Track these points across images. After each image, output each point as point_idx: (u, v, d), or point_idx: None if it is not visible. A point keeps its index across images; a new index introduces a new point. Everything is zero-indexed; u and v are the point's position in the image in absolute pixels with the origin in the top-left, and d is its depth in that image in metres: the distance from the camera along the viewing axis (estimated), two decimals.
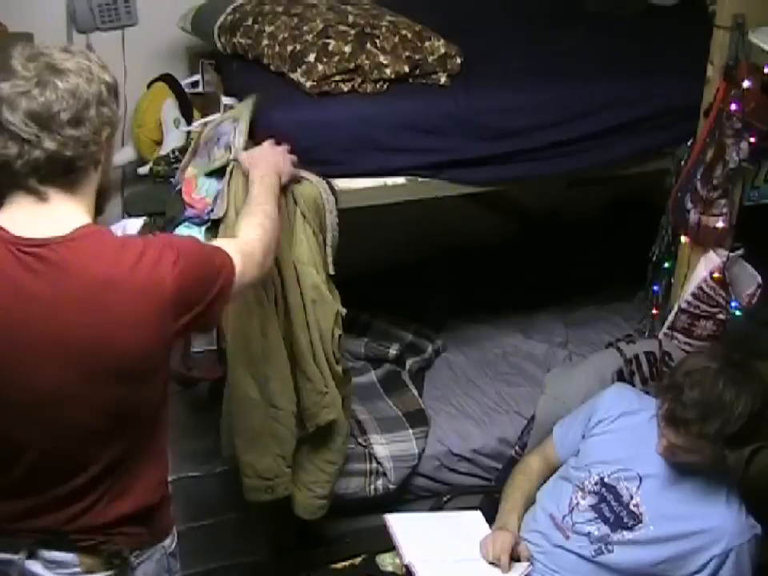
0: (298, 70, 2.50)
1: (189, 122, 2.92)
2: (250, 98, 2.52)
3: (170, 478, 2.08)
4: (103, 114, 1.74)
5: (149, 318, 1.71)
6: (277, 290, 2.38)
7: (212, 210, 2.39)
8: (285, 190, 2.33)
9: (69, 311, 1.67)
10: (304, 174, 2.40)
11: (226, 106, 2.73)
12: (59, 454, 1.78)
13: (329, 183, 2.42)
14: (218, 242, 1.94)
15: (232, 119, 2.52)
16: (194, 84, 3.10)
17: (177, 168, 2.62)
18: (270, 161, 2.29)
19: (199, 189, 2.44)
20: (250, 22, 2.72)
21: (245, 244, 1.94)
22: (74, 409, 1.73)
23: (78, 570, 1.83)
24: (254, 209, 2.09)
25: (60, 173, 1.71)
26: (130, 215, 2.69)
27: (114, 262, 1.69)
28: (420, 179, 2.56)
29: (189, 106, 3.01)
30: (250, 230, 2.00)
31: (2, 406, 1.74)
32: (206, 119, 2.80)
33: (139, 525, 1.87)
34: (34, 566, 1.83)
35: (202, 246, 1.88)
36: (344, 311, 2.43)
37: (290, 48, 2.55)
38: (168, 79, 3.10)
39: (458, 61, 2.62)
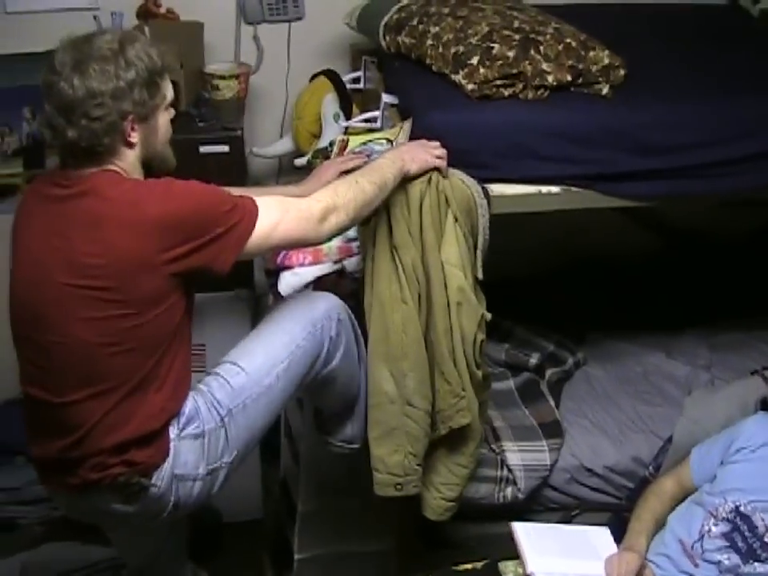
0: (460, 72, 2.51)
1: (348, 117, 2.97)
2: (408, 122, 2.55)
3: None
4: (121, 108, 2.01)
5: (131, 243, 1.97)
6: (421, 289, 2.39)
7: None
8: (434, 186, 2.36)
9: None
10: (459, 174, 2.41)
11: (385, 103, 2.76)
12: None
13: (483, 187, 2.42)
14: (261, 196, 2.15)
15: (386, 140, 2.58)
16: (356, 80, 3.16)
17: None
18: (402, 147, 2.39)
19: None
20: (415, 22, 2.74)
21: (301, 203, 2.15)
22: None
23: None
24: (357, 173, 2.27)
25: (83, 154, 2.03)
26: None
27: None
28: (574, 189, 2.53)
29: (349, 101, 3.06)
30: (330, 189, 2.20)
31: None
32: (365, 115, 2.85)
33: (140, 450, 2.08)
34: None
35: (204, 187, 2.08)
36: (489, 316, 2.42)
37: (453, 50, 2.56)
38: (330, 74, 3.16)
39: (622, 72, 2.59)
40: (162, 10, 3.25)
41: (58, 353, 2.06)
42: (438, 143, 2.40)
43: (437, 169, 2.38)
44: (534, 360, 3.13)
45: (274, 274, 2.71)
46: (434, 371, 2.44)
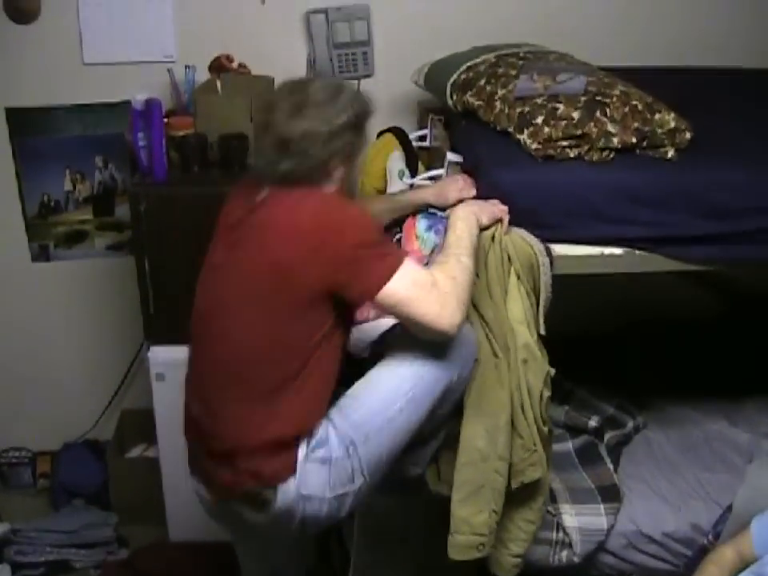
0: (525, 132, 2.52)
1: (413, 175, 2.98)
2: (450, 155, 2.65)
3: None
4: (331, 147, 2.22)
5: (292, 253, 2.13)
6: (508, 341, 2.40)
7: (427, 264, 2.44)
8: (497, 244, 2.38)
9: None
10: (521, 232, 2.42)
11: (450, 162, 2.78)
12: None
13: (545, 246, 2.43)
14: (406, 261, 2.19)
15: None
16: (422, 138, 3.18)
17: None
18: (467, 205, 2.45)
19: (420, 241, 2.52)
20: (483, 82, 2.76)
21: (427, 280, 2.17)
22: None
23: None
24: (447, 257, 2.27)
25: (289, 184, 2.21)
26: None
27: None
28: (638, 252, 2.52)
29: (415, 158, 3.08)
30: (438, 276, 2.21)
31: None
32: (430, 173, 2.86)
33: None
34: None
35: (370, 237, 2.19)
36: (553, 371, 2.42)
37: (519, 109, 2.58)
38: (397, 131, 3.18)
39: (688, 136, 2.57)
40: (234, 65, 3.32)
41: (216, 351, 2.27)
42: (497, 201, 2.43)
43: (500, 223, 2.41)
44: (593, 422, 3.10)
45: None
46: None
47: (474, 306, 2.39)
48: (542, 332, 2.43)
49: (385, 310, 2.25)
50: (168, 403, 3.21)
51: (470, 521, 2.43)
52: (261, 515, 2.25)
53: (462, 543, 2.45)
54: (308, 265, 2.13)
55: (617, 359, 3.43)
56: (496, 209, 2.41)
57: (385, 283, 2.13)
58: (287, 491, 2.20)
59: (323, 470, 2.22)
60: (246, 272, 2.21)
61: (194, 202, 2.98)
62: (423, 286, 2.16)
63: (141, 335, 3.25)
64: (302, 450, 2.21)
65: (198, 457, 2.37)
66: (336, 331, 2.25)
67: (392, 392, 2.28)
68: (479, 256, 2.38)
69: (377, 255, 2.17)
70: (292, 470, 2.20)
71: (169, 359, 3.16)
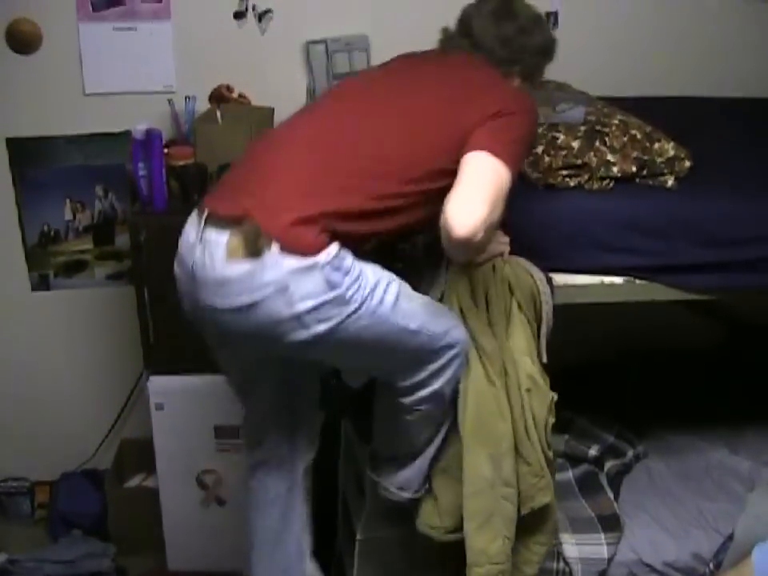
0: (525, 161, 2.54)
1: None
2: None
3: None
4: (527, 54, 2.51)
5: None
6: (505, 370, 2.41)
7: None
8: (498, 274, 2.40)
9: None
10: (522, 262, 2.43)
11: None
12: None
13: (546, 275, 2.44)
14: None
15: None
16: None
17: None
18: None
19: None
20: None
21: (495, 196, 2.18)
22: None
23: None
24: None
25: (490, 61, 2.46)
26: None
27: None
28: (637, 281, 2.53)
29: None
30: None
31: None
32: None
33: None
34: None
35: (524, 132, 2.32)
36: (555, 396, 2.44)
37: None
38: None
39: (687, 164, 2.59)
40: (235, 95, 3.34)
41: None
42: (501, 231, 2.43)
43: (500, 255, 2.42)
44: (593, 452, 3.09)
45: None
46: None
47: (472, 338, 2.40)
48: (544, 360, 2.44)
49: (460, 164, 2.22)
50: (167, 433, 3.21)
51: (486, 551, 2.42)
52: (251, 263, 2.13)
53: (482, 575, 2.44)
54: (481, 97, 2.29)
55: (617, 387, 3.42)
56: (497, 245, 2.42)
57: (491, 153, 2.18)
58: (283, 263, 2.10)
59: (324, 284, 2.12)
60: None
61: None
62: (492, 192, 2.15)
63: (140, 364, 3.25)
64: (326, 255, 2.12)
65: (234, 195, 2.24)
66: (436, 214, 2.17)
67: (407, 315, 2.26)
68: (476, 292, 2.40)
69: (511, 143, 2.23)
70: (310, 251, 2.11)
71: (168, 389, 3.16)
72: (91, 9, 3.26)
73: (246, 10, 3.33)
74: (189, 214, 2.95)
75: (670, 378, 3.51)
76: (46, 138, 3.39)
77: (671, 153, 2.57)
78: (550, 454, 2.47)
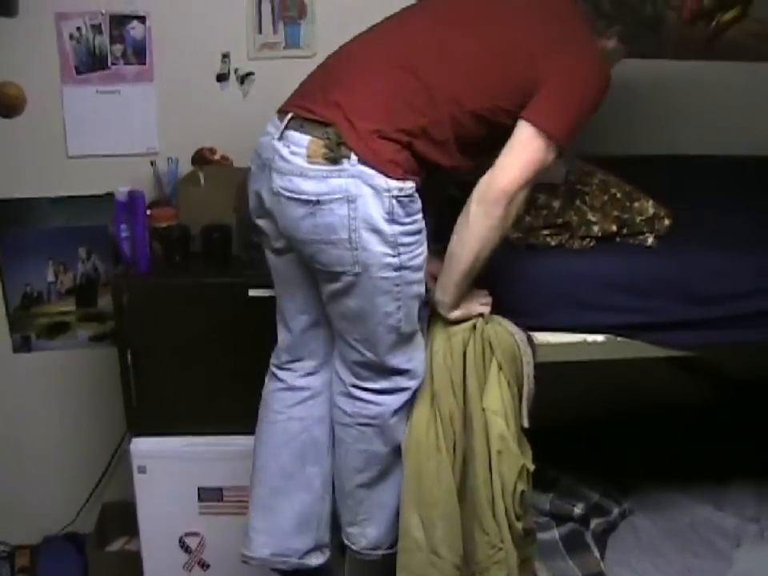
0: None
1: None
2: None
3: None
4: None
5: None
6: (457, 438, 2.40)
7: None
8: (478, 334, 2.40)
9: None
10: (503, 322, 2.43)
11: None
12: None
13: (528, 335, 2.44)
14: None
15: None
16: None
17: None
18: None
19: None
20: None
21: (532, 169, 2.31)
22: None
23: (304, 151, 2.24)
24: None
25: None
26: None
27: None
28: (619, 339, 2.54)
29: None
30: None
31: None
32: None
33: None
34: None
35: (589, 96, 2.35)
36: (532, 467, 2.41)
37: None
38: None
39: (667, 222, 2.61)
40: (217, 157, 3.36)
41: None
42: (485, 291, 2.44)
43: (481, 315, 2.42)
44: (578, 510, 3.08)
45: None
46: (472, 522, 2.41)
47: (431, 398, 2.40)
48: (525, 425, 2.42)
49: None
50: (150, 496, 3.18)
51: None
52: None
53: None
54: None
55: (602, 445, 3.42)
56: (476, 305, 2.45)
57: (544, 130, 2.26)
58: (360, 174, 2.20)
59: (386, 214, 2.23)
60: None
61: (176, 294, 2.99)
62: (534, 164, 2.28)
63: (123, 427, 3.23)
64: (404, 189, 2.23)
65: (315, 102, 2.31)
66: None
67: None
68: (453, 350, 2.41)
69: (570, 116, 2.30)
70: (387, 168, 2.21)
71: (151, 451, 3.13)
72: (75, 72, 3.28)
73: (229, 72, 3.36)
74: (172, 275, 2.99)
75: (655, 435, 3.51)
76: (29, 200, 3.39)
77: (651, 212, 2.60)
78: (519, 525, 2.42)
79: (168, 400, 3.07)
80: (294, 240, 2.35)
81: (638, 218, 2.59)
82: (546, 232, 2.52)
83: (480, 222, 2.31)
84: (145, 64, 3.31)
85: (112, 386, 3.21)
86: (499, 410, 2.37)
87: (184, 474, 3.16)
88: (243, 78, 3.37)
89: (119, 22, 3.26)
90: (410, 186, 2.24)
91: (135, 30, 3.28)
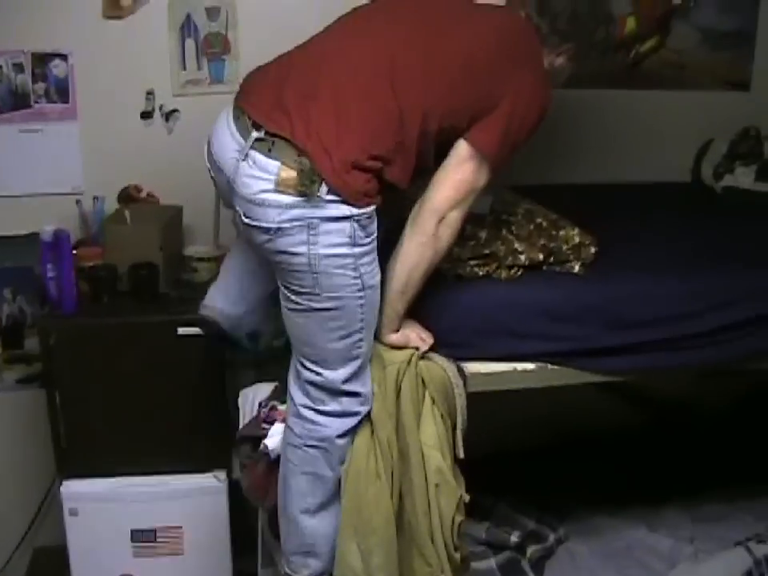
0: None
1: None
2: None
3: None
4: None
5: None
6: (395, 466, 2.38)
7: None
8: (412, 368, 2.40)
9: None
10: (434, 357, 2.44)
11: None
12: None
13: (458, 366, 2.45)
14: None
15: None
16: None
17: None
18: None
19: None
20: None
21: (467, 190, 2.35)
22: None
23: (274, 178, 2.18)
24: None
25: None
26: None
27: None
28: (550, 366, 2.56)
29: None
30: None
31: None
32: None
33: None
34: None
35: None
36: (467, 497, 2.40)
37: None
38: None
39: (593, 250, 2.64)
40: (143, 194, 3.34)
41: None
42: (422, 328, 2.47)
43: (416, 349, 2.44)
44: (515, 538, 3.09)
45: (250, 439, 2.71)
46: (410, 551, 2.40)
47: (371, 425, 2.40)
48: (461, 455, 2.42)
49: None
50: (82, 538, 3.13)
51: None
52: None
53: None
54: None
55: (537, 472, 3.43)
56: (415, 336, 2.46)
57: (478, 147, 2.30)
58: (326, 205, 2.19)
59: (347, 238, 2.23)
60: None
61: (104, 333, 2.96)
62: (466, 185, 2.32)
63: (53, 469, 3.18)
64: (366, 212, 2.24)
65: (278, 104, 2.25)
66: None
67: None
68: (387, 381, 2.40)
69: (507, 142, 2.32)
70: (355, 198, 2.20)
71: (82, 493, 3.09)
72: None
73: (153, 109, 3.34)
74: (99, 315, 2.94)
75: (589, 461, 3.54)
76: None
77: (577, 240, 2.63)
78: (457, 555, 2.42)
79: (98, 441, 3.03)
80: (256, 248, 2.36)
81: (564, 246, 2.61)
82: (473, 262, 2.53)
83: (411, 240, 2.34)
84: (68, 102, 3.29)
85: (41, 428, 3.16)
86: (435, 444, 2.38)
87: (116, 516, 3.11)
88: (168, 115, 3.35)
89: (41, 60, 3.23)
90: (371, 209, 2.25)
91: (58, 68, 3.25)
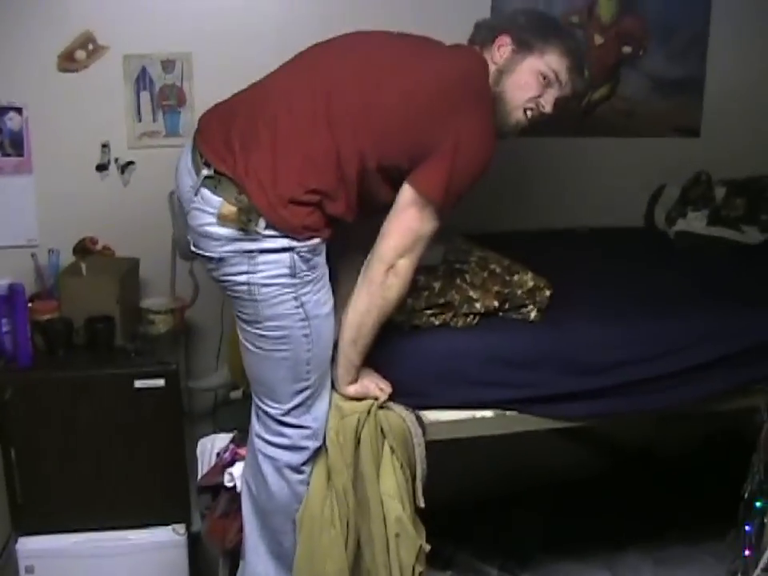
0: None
1: None
2: None
3: None
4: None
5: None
6: (350, 517, 2.38)
7: None
8: (371, 418, 2.40)
9: None
10: (393, 406, 2.44)
11: None
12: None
13: (416, 415, 2.45)
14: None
15: None
16: None
17: None
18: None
19: None
20: None
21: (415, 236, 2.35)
22: None
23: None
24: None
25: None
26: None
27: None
28: (508, 413, 2.56)
29: None
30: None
31: None
32: None
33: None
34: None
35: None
36: (428, 547, 2.39)
37: None
38: None
39: (548, 293, 2.65)
40: (99, 247, 3.33)
41: None
42: (387, 383, 2.47)
43: (376, 399, 2.44)
44: None
45: (210, 489, 2.69)
46: None
47: (327, 473, 2.39)
48: (421, 504, 2.41)
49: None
50: None
51: None
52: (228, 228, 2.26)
53: None
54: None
55: (501, 519, 3.43)
56: (374, 387, 2.46)
57: (421, 190, 2.29)
58: (264, 239, 2.25)
59: (286, 268, 2.28)
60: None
61: (60, 387, 2.93)
62: (411, 232, 2.32)
63: (8, 526, 3.13)
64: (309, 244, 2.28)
65: (224, 145, 2.32)
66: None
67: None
68: (346, 431, 2.39)
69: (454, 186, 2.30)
70: (294, 232, 2.25)
71: (39, 550, 3.04)
72: None
73: (109, 162, 3.34)
74: (55, 369, 2.92)
75: (552, 507, 3.54)
76: None
77: (531, 284, 2.64)
78: None
79: (55, 496, 2.99)
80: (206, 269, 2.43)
81: (519, 291, 2.62)
82: (429, 312, 2.54)
83: (361, 289, 2.36)
84: (23, 155, 3.28)
85: None
86: (395, 494, 2.37)
87: (74, 573, 3.07)
88: (124, 168, 3.35)
89: None
90: (315, 242, 2.28)
91: (12, 121, 3.25)
